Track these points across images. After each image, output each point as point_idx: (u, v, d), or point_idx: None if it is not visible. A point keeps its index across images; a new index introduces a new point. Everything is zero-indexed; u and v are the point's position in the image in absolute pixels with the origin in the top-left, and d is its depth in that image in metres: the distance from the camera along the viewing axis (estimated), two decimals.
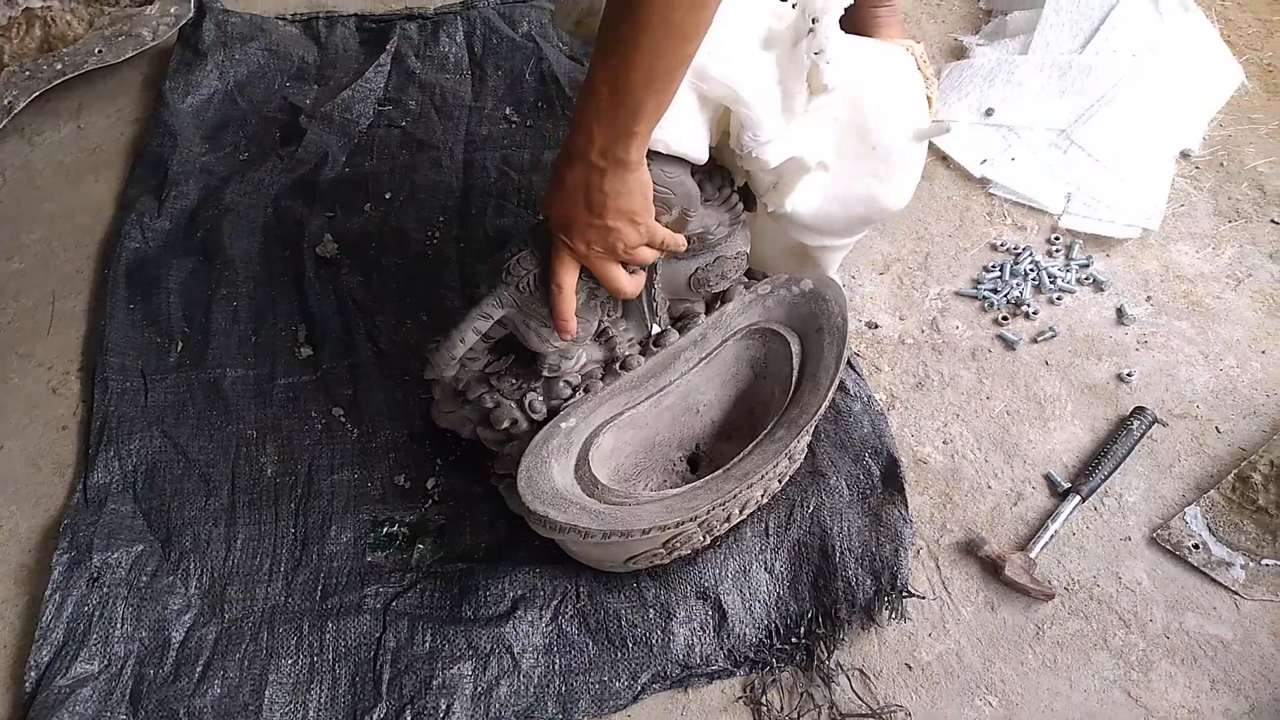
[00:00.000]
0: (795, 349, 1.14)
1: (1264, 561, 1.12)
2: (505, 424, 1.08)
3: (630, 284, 1.03)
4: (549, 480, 1.03)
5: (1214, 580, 1.12)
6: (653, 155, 0.98)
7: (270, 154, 1.52)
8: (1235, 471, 1.17)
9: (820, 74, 1.03)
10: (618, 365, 1.11)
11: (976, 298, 1.36)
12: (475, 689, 1.06)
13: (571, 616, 1.11)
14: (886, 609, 1.09)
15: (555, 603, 1.12)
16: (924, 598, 1.11)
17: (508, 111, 1.58)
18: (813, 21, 1.03)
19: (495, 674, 1.07)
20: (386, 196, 1.48)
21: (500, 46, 1.65)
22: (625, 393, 1.10)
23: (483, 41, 1.66)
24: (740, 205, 1.13)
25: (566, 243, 0.99)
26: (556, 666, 1.08)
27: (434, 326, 1.34)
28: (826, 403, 1.09)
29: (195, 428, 1.26)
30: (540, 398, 1.09)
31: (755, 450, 1.09)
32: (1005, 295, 1.35)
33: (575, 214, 0.97)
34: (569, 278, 1.01)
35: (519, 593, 1.12)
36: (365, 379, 1.29)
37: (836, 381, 1.10)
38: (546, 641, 1.10)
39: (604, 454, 1.09)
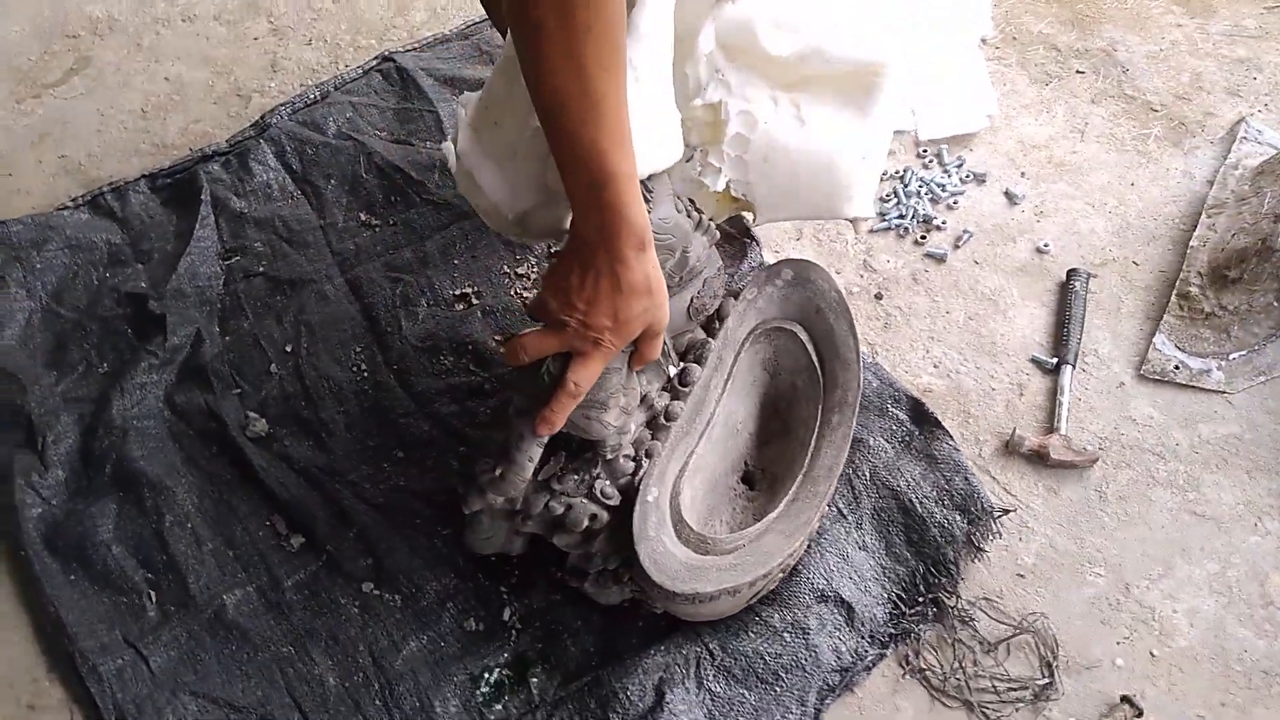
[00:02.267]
0: (803, 335, 1.16)
1: (1231, 357, 1.27)
2: (585, 523, 1.04)
3: (658, 347, 1.01)
4: (672, 558, 1.00)
5: (1203, 389, 1.26)
6: (657, 205, 0.96)
7: (134, 354, 1.35)
8: (1175, 292, 1.31)
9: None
10: (662, 418, 1.09)
11: (890, 229, 1.43)
12: None
13: (715, 676, 1.09)
14: (986, 534, 1.15)
15: (694, 670, 1.09)
16: (1014, 510, 1.17)
17: (363, 217, 1.48)
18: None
19: None
20: (288, 350, 1.35)
21: (319, 155, 1.54)
22: (681, 441, 1.09)
23: (298, 156, 1.54)
24: (709, 222, 1.13)
25: (596, 344, 0.92)
26: None
27: (414, 459, 1.25)
28: (863, 373, 1.13)
29: (224, 674, 1.12)
30: (608, 482, 1.05)
31: (822, 443, 1.11)
32: (912, 218, 1.43)
33: (598, 322, 0.91)
34: (590, 379, 0.95)
35: (656, 678, 1.09)
36: (378, 542, 1.19)
37: (860, 351, 1.13)
38: (707, 711, 1.07)
39: (689, 507, 1.07)
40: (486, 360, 1.33)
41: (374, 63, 1.65)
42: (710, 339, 1.14)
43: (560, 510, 1.04)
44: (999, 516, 1.16)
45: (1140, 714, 1.05)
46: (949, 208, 1.45)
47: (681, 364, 1.13)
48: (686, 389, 1.11)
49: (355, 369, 1.33)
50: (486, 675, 1.11)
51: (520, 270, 1.42)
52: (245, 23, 1.74)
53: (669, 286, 1.01)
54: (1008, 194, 1.45)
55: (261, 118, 1.57)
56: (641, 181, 0.95)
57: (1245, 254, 1.27)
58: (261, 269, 1.44)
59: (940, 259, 1.40)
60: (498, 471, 1.00)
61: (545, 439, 0.99)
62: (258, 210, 1.49)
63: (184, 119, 1.62)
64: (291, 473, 1.25)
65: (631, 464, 1.06)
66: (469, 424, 1.28)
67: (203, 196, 1.48)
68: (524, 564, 1.17)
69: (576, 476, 1.05)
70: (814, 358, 1.15)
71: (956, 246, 1.41)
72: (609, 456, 1.04)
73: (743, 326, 1.16)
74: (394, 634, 1.13)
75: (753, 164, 1.10)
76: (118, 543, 1.20)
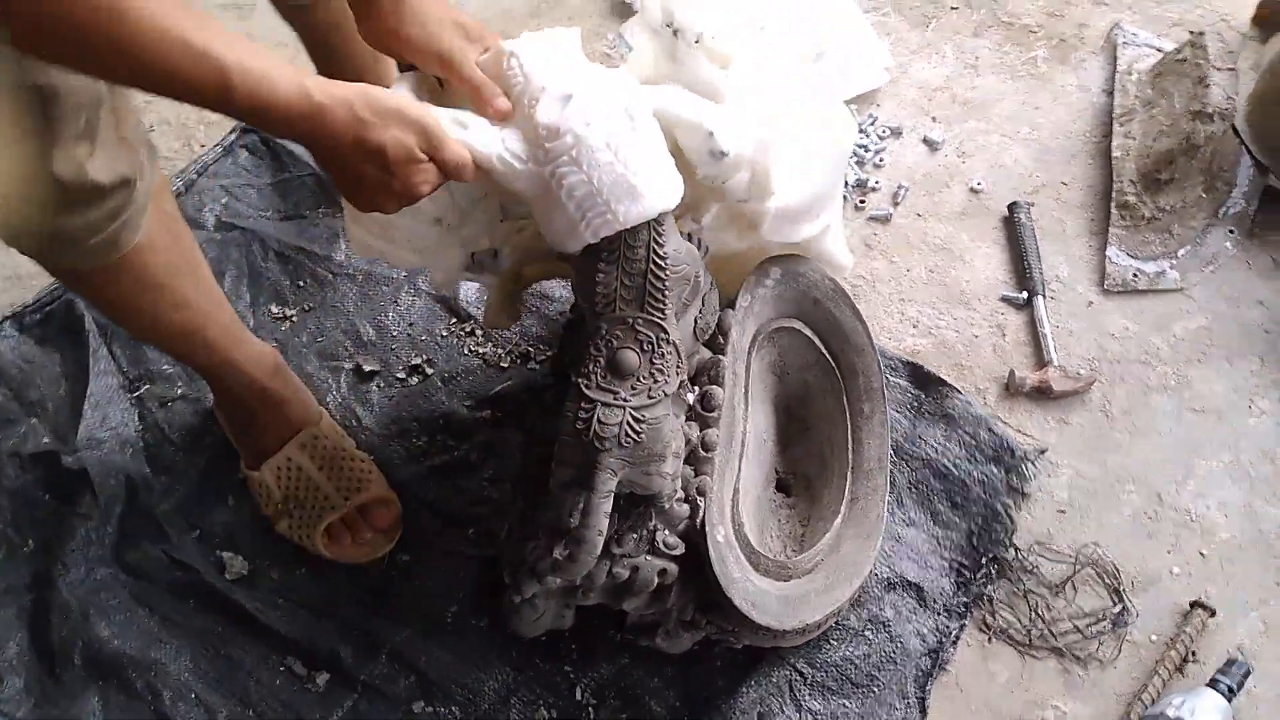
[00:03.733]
0: (807, 331, 1.13)
1: (1179, 254, 1.32)
2: (655, 581, 0.97)
3: (453, 147, 0.83)
4: (766, 595, 0.95)
5: (1163, 290, 1.31)
6: (667, 239, 0.90)
7: (63, 522, 1.17)
8: (1113, 203, 1.35)
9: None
10: (701, 450, 1.03)
11: None
12: None
13: (811, 695, 1.05)
14: (1025, 478, 1.15)
15: (789, 695, 1.05)
16: (1047, 449, 1.18)
17: (275, 311, 1.35)
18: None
19: None
20: (240, 476, 1.21)
21: (206, 252, 1.37)
22: (725, 468, 1.03)
23: None
24: (702, 242, 1.07)
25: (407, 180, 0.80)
26: None
27: (421, 557, 1.15)
28: (875, 348, 1.11)
29: None
30: (667, 532, 0.99)
31: (861, 435, 1.09)
32: (846, 185, 1.42)
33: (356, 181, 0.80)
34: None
35: (755, 715, 1.04)
36: (415, 655, 1.08)
37: (867, 326, 1.11)
38: None
39: (753, 535, 1.02)
40: (465, 429, 1.24)
41: (233, 138, 1.50)
42: (720, 356, 1.09)
43: (626, 574, 0.97)
44: (1036, 458, 1.16)
45: (1213, 613, 1.07)
46: (876, 167, 1.44)
47: (696, 388, 1.07)
48: (714, 413, 1.05)
49: None
50: None
51: (467, 328, 1.32)
52: None
53: (678, 313, 0.95)
54: (926, 141, 1.46)
55: None
56: (653, 220, 0.89)
57: (1172, 154, 1.32)
58: (179, 391, 1.28)
59: (885, 219, 1.39)
60: (563, 553, 0.92)
61: (609, 507, 0.91)
62: None
63: None
64: (292, 606, 1.12)
65: (685, 506, 1.00)
66: (469, 503, 1.18)
67: (86, 326, 1.31)
68: (577, 634, 1.09)
69: (635, 534, 0.98)
70: (823, 350, 1.12)
71: (896, 204, 1.41)
72: (665, 505, 0.98)
73: (745, 336, 1.11)
74: None
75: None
76: None
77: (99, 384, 1.27)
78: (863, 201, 1.40)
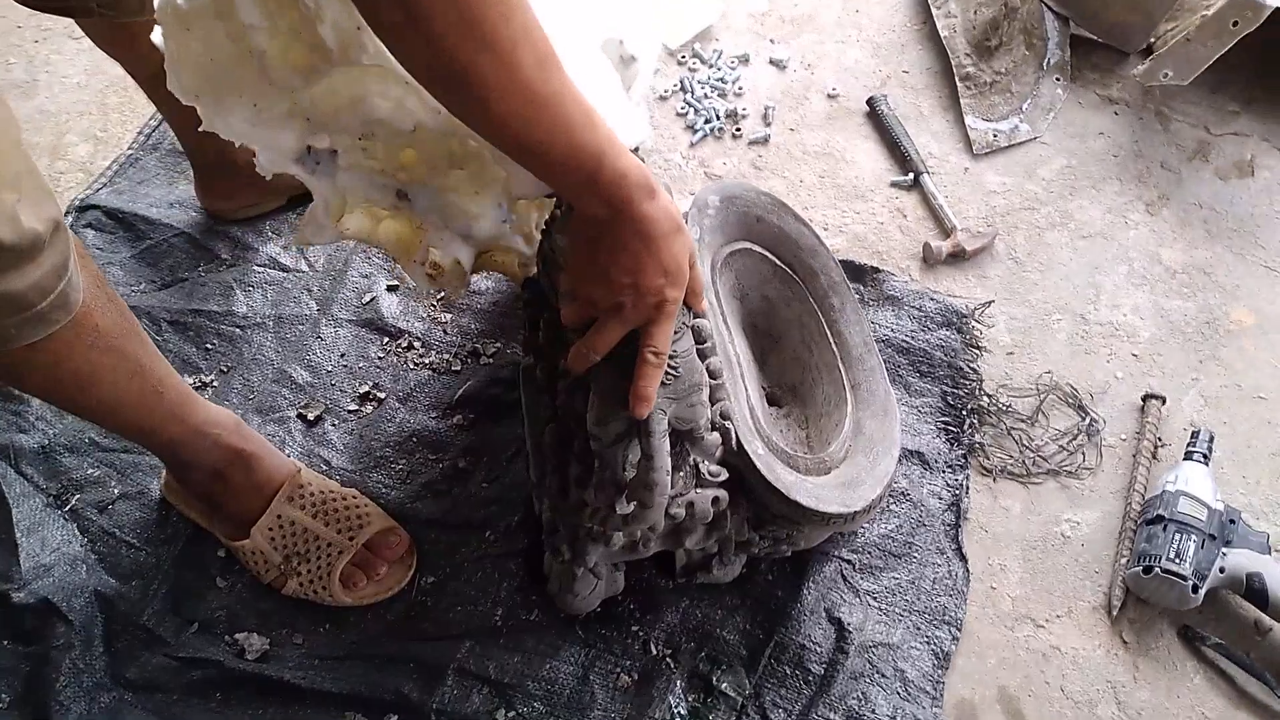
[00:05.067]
0: (757, 249, 1.17)
1: (1024, 108, 1.46)
2: (711, 510, 0.99)
3: (699, 277, 0.92)
4: (822, 488, 0.99)
5: (1021, 143, 1.44)
6: None
7: (42, 661, 1.05)
8: (956, 78, 1.47)
9: None
10: (711, 380, 1.05)
11: (707, 136, 1.46)
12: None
13: (863, 577, 1.10)
14: (977, 331, 1.25)
15: (843, 583, 1.10)
16: (993, 300, 1.28)
17: (190, 381, 1.25)
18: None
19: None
20: (220, 554, 1.12)
21: None
22: (735, 391, 1.06)
23: None
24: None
25: (659, 305, 0.87)
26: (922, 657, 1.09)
27: (446, 566, 1.11)
28: (827, 247, 1.16)
29: None
30: (706, 461, 1.00)
31: (838, 327, 1.14)
32: (717, 118, 1.47)
33: (652, 283, 0.83)
34: (666, 341, 0.89)
35: (823, 611, 1.08)
36: (483, 662, 1.05)
37: (813, 229, 1.17)
38: (877, 608, 1.09)
39: (783, 442, 1.05)
40: (441, 440, 1.20)
41: (72, 218, 1.37)
42: None
43: (683, 513, 0.98)
44: (981, 310, 1.26)
45: (1164, 400, 1.21)
46: (737, 95, 1.50)
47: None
48: (708, 343, 1.07)
49: None
50: (677, 714, 1.03)
51: (402, 343, 1.28)
52: None
53: None
54: (773, 62, 1.54)
55: None
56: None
57: (996, 22, 1.45)
58: (116, 491, 1.17)
59: (764, 140, 1.45)
60: (630, 505, 0.92)
61: (667, 446, 0.92)
62: (61, 434, 1.20)
63: None
64: (332, 663, 1.06)
65: (715, 434, 1.02)
66: (475, 507, 1.15)
67: None
68: (630, 595, 1.09)
69: (680, 471, 0.99)
70: (778, 262, 1.16)
71: (768, 124, 1.47)
72: (701, 437, 0.99)
73: (704, 266, 1.14)
74: None
75: None
76: None
77: (23, 509, 1.14)
78: (739, 130, 1.46)
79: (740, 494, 1.01)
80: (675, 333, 0.93)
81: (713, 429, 1.01)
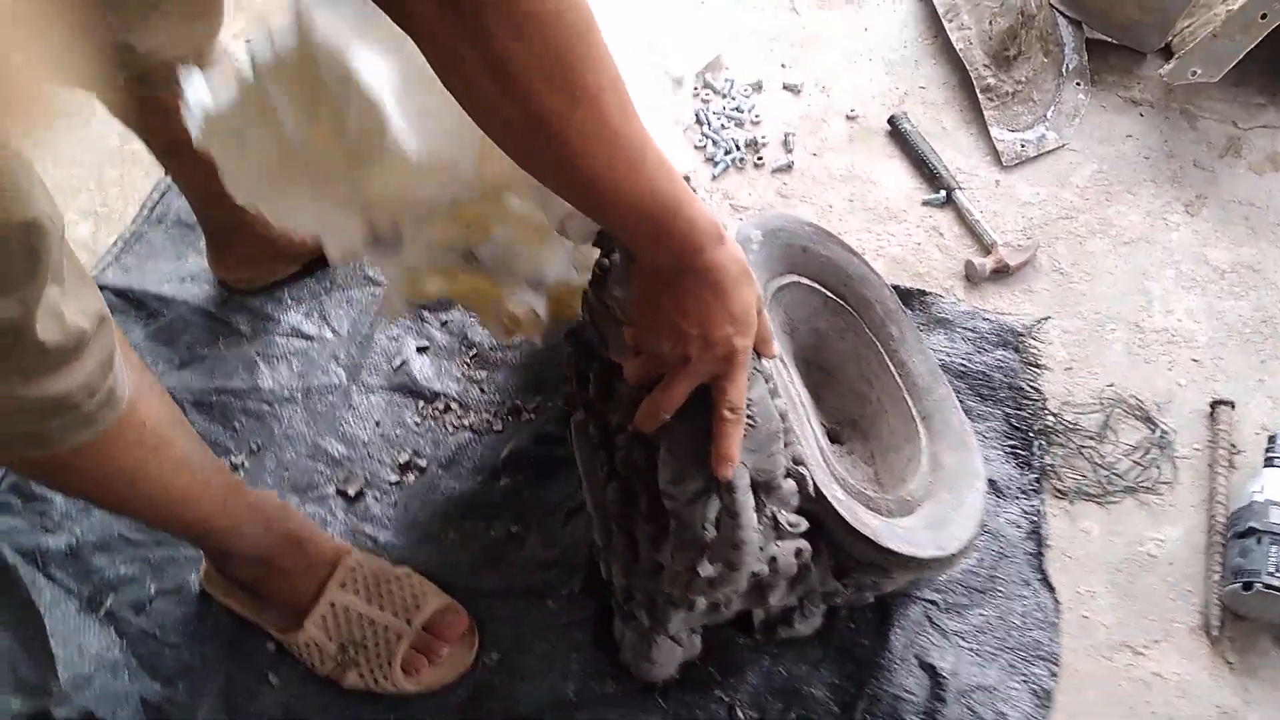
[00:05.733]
0: (805, 281, 1.12)
1: (1048, 116, 1.43)
2: (795, 564, 0.94)
3: (768, 323, 0.90)
4: (912, 533, 0.94)
5: (1050, 151, 1.41)
6: None
7: None
8: (977, 90, 1.44)
9: None
10: (781, 423, 1.00)
11: (729, 168, 1.42)
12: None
13: (949, 618, 1.06)
14: (1034, 349, 1.21)
15: (929, 626, 1.05)
16: (1049, 316, 1.24)
17: (226, 462, 1.19)
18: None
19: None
20: (270, 647, 1.06)
21: None
22: (803, 434, 1.01)
23: None
24: None
25: (729, 357, 0.83)
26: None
27: (514, 640, 1.05)
28: (879, 274, 1.12)
29: None
30: (784, 511, 0.95)
31: (899, 358, 1.10)
32: (737, 151, 1.43)
33: (720, 333, 0.79)
34: (741, 394, 0.85)
35: (912, 657, 1.03)
36: None
37: (863, 257, 1.12)
38: (968, 648, 1.04)
39: (858, 485, 1.00)
40: (491, 506, 1.14)
41: None
42: None
43: (765, 568, 0.93)
44: (1038, 326, 1.22)
45: (1233, 405, 1.17)
46: (755, 123, 1.47)
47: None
48: (771, 384, 1.03)
49: None
50: None
51: (439, 405, 1.22)
52: None
53: None
54: (787, 87, 1.50)
55: None
56: None
57: (1014, 31, 1.43)
58: (152, 589, 1.11)
59: (788, 168, 1.42)
60: (713, 568, 0.87)
61: (752, 502, 0.87)
62: (88, 531, 1.14)
63: None
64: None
65: (791, 481, 0.97)
66: (533, 574, 1.10)
67: (7, 560, 1.10)
68: (708, 657, 1.03)
69: (759, 525, 0.94)
70: (828, 293, 1.12)
71: (789, 150, 1.43)
72: (778, 486, 0.94)
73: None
74: None
75: None
76: None
77: (55, 616, 1.08)
78: (760, 159, 1.42)
79: (820, 541, 0.96)
80: (750, 381, 0.88)
81: (786, 475, 0.97)
